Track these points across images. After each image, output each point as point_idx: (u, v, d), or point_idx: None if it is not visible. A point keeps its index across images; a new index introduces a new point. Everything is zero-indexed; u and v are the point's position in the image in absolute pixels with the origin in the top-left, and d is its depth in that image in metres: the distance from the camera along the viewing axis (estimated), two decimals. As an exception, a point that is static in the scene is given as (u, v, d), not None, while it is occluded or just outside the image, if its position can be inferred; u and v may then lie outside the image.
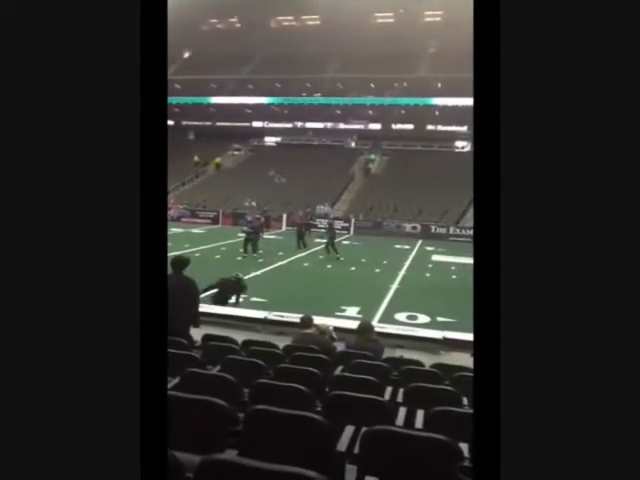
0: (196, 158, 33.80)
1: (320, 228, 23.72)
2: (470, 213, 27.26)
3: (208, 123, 37.89)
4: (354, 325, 5.76)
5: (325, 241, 16.65)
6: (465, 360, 5.21)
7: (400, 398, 3.45)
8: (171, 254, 4.84)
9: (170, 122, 31.64)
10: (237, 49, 37.40)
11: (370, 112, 35.98)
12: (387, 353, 5.30)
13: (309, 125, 37.06)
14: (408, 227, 25.73)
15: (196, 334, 5.21)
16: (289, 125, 37.39)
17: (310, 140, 36.65)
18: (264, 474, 1.53)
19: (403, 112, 35.08)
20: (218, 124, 37.58)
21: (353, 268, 14.61)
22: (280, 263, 14.83)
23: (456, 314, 8.51)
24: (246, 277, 12.23)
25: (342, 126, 36.62)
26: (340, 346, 5.19)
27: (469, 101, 31.98)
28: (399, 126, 35.50)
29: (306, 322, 5.52)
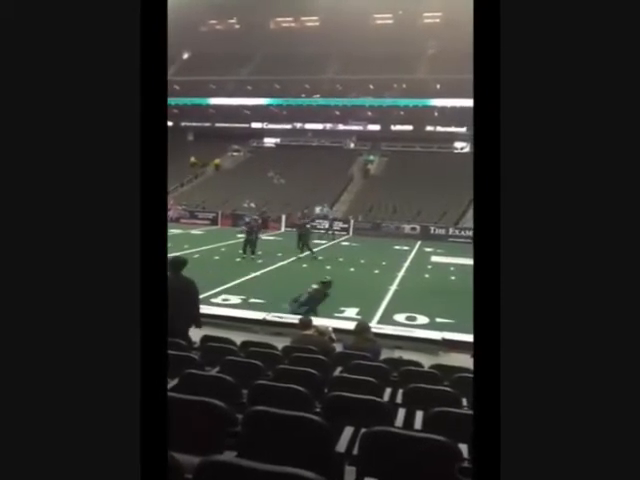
0: (193, 159, 33.63)
1: (320, 229, 23.74)
2: (469, 214, 27.27)
3: (207, 124, 37.93)
4: (353, 326, 5.77)
5: (301, 241, 16.46)
6: (464, 361, 5.21)
7: (399, 399, 3.45)
8: (170, 255, 4.83)
9: (169, 123, 31.60)
10: (236, 50, 37.44)
11: (369, 113, 36.03)
12: (386, 354, 5.30)
13: (308, 126, 37.10)
14: (407, 228, 25.74)
15: (195, 335, 5.20)
16: (288, 126, 37.42)
17: (309, 141, 36.68)
18: (263, 475, 1.53)
19: (402, 113, 35.13)
20: (217, 125, 37.62)
21: (352, 269, 14.61)
22: (279, 264, 14.83)
23: (455, 315, 8.51)
24: (245, 278, 12.24)
25: (341, 127, 36.68)
26: (339, 347, 5.19)
27: (468, 102, 32.03)
28: (398, 127, 35.56)
29: (305, 323, 5.52)
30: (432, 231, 25.44)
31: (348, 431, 2.55)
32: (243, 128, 37.54)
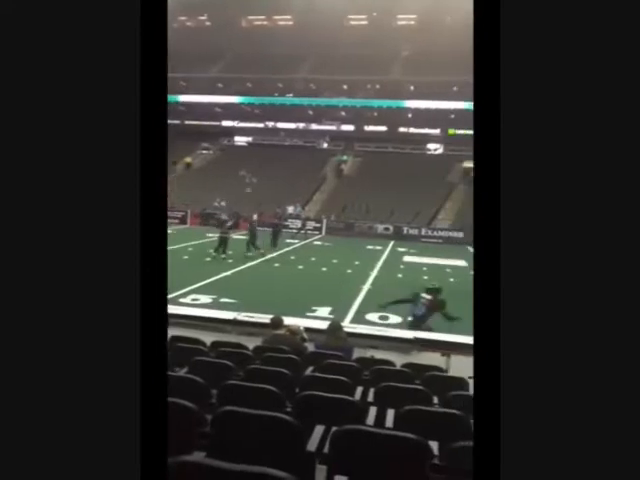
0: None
1: (292, 228, 23.70)
2: (441, 215, 27.66)
3: (177, 122, 37.36)
4: (325, 325, 5.77)
5: (248, 239, 16.32)
6: (436, 360, 5.26)
7: (371, 398, 3.46)
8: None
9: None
10: (207, 47, 37.02)
11: (343, 113, 36.13)
12: (358, 353, 5.31)
13: (281, 125, 36.96)
14: (380, 228, 25.93)
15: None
16: (260, 125, 37.21)
17: (282, 140, 36.56)
18: (233, 475, 1.50)
19: (376, 114, 35.34)
20: (187, 123, 37.09)
21: (324, 269, 14.64)
22: (250, 264, 14.74)
23: (427, 314, 8.59)
24: (215, 278, 12.12)
25: (314, 127, 36.65)
26: (311, 346, 5.18)
27: (442, 104, 32.45)
28: (372, 128, 35.76)
29: (276, 323, 5.49)
30: (405, 231, 25.70)
31: (319, 430, 2.54)
32: (214, 126, 37.15)
